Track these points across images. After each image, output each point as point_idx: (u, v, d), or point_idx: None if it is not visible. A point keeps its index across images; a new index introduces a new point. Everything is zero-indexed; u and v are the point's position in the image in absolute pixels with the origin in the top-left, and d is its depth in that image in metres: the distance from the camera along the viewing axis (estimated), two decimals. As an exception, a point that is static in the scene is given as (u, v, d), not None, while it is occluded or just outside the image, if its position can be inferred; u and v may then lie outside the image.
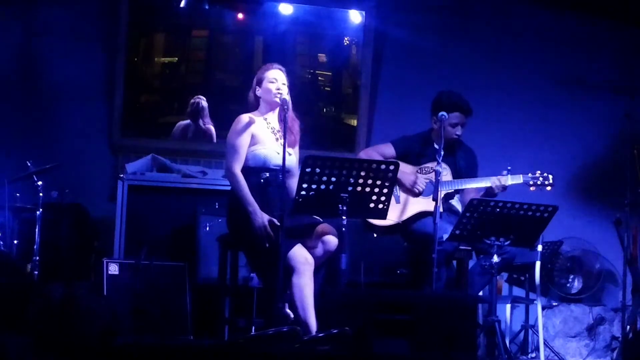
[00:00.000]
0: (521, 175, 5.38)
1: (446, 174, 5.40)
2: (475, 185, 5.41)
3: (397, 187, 5.42)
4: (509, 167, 5.37)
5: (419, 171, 5.49)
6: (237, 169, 4.93)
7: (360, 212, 4.80)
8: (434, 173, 5.35)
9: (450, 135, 5.46)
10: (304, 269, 4.74)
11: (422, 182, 5.44)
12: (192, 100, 6.85)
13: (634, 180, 6.03)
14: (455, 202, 5.59)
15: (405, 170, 5.42)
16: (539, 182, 5.39)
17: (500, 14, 7.16)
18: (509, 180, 5.35)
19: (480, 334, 5.41)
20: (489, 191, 5.37)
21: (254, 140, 4.98)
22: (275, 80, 5.04)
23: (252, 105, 5.11)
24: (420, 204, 5.43)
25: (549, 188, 5.41)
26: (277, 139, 5.00)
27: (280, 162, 4.80)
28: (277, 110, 5.06)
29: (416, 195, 5.44)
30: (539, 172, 5.40)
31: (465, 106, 5.49)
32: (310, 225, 4.95)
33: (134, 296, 5.48)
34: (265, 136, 5.00)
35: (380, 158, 5.36)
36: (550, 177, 5.40)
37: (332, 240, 4.89)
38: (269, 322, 4.83)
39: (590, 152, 7.13)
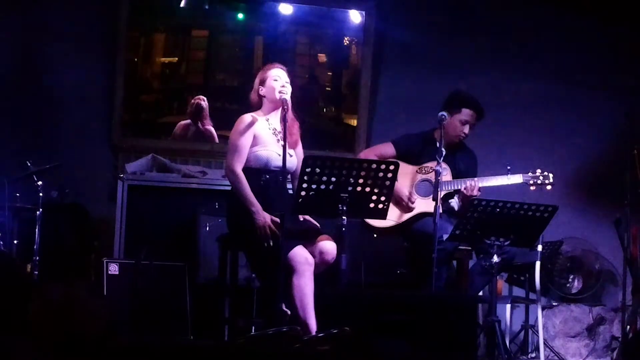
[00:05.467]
0: (521, 175, 5.36)
1: (446, 174, 5.39)
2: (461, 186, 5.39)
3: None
4: (509, 167, 5.35)
5: (418, 171, 5.49)
6: (239, 168, 4.93)
7: (360, 212, 4.80)
8: (434, 173, 5.35)
9: (458, 133, 5.44)
10: (304, 269, 4.75)
11: (414, 199, 5.41)
12: (192, 101, 6.85)
13: (634, 180, 6.02)
14: (455, 203, 5.58)
15: (402, 184, 5.38)
16: (539, 182, 5.36)
17: (500, 14, 7.15)
18: (507, 180, 5.33)
19: (480, 334, 5.42)
20: (463, 194, 5.34)
21: (255, 141, 4.98)
22: (279, 78, 5.04)
23: (255, 106, 5.11)
24: (420, 205, 5.43)
25: (549, 187, 5.37)
26: (278, 140, 5.00)
27: (281, 163, 4.80)
28: (279, 110, 5.05)
29: (407, 210, 5.42)
30: (539, 170, 5.38)
31: (478, 106, 5.48)
32: (310, 231, 4.95)
33: (134, 296, 5.48)
34: (266, 137, 5.00)
35: (379, 159, 5.35)
36: (551, 175, 5.37)
37: (330, 251, 4.88)
38: (268, 322, 4.84)
39: (590, 152, 7.13)
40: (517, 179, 5.35)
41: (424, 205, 5.40)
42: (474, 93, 5.66)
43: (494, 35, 7.12)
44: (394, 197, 5.33)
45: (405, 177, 5.45)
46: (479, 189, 5.35)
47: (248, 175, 4.93)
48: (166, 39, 7.10)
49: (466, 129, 5.47)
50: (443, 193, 5.34)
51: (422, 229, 5.33)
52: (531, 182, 5.36)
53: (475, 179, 5.35)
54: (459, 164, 5.53)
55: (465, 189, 5.32)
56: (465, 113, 5.44)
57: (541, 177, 5.36)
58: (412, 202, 5.41)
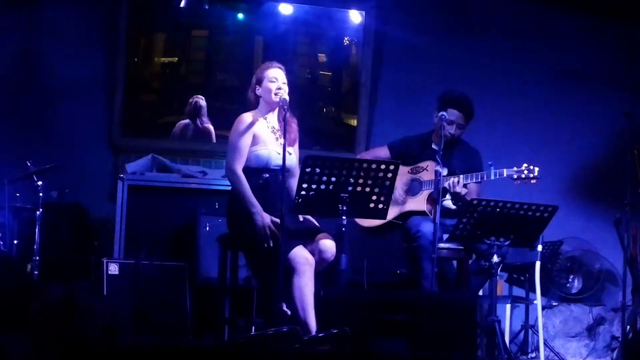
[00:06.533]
0: (505, 170, 5.19)
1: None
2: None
3: None
4: (490, 162, 5.26)
5: (410, 171, 5.49)
6: (239, 168, 4.93)
7: (360, 212, 4.80)
8: (424, 172, 5.37)
9: (445, 132, 5.43)
10: (304, 269, 4.75)
11: (398, 189, 5.42)
12: (190, 100, 6.86)
13: (634, 180, 6.02)
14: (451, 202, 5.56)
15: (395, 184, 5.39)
16: (523, 175, 5.17)
17: (500, 13, 7.15)
18: (491, 175, 5.26)
19: (480, 334, 5.42)
20: (451, 193, 5.33)
21: (255, 141, 4.98)
22: (276, 80, 5.03)
23: (252, 104, 5.11)
24: (408, 204, 5.43)
25: (533, 181, 5.18)
26: (277, 139, 5.00)
27: (281, 162, 4.80)
28: (277, 109, 5.05)
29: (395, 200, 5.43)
30: (525, 165, 5.20)
31: (466, 106, 5.45)
32: (310, 230, 4.95)
33: (134, 296, 5.48)
34: (266, 136, 5.00)
35: None
36: (536, 169, 5.17)
37: (329, 249, 4.88)
38: (268, 322, 4.84)
39: (590, 152, 7.13)
40: (501, 173, 5.20)
41: (412, 204, 5.41)
42: (473, 93, 5.66)
43: (494, 35, 7.12)
44: None
45: (399, 178, 5.43)
46: (465, 186, 5.28)
47: (248, 174, 4.93)
48: (166, 39, 7.10)
49: (452, 129, 5.42)
50: (429, 192, 5.33)
51: (406, 226, 5.36)
52: (515, 176, 5.18)
53: (461, 175, 5.30)
54: (454, 162, 5.50)
55: (448, 185, 5.27)
56: (451, 113, 5.41)
57: (526, 171, 5.17)
58: (398, 197, 5.41)
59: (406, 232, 5.34)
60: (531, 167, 5.18)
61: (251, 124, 4.98)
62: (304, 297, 4.73)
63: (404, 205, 5.44)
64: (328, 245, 4.89)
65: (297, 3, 6.97)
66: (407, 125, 6.10)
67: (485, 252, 4.94)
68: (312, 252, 4.87)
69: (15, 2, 6.70)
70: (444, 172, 5.29)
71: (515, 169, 5.20)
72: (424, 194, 5.34)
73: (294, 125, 5.09)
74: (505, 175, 5.19)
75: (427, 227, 5.13)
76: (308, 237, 4.92)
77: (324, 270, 4.94)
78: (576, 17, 7.12)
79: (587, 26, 7.13)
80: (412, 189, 5.47)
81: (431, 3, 7.12)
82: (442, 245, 5.23)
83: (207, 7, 6.83)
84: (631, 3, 6.89)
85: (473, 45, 7.09)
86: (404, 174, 5.45)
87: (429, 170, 5.34)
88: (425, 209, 5.31)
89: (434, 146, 5.44)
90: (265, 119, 5.06)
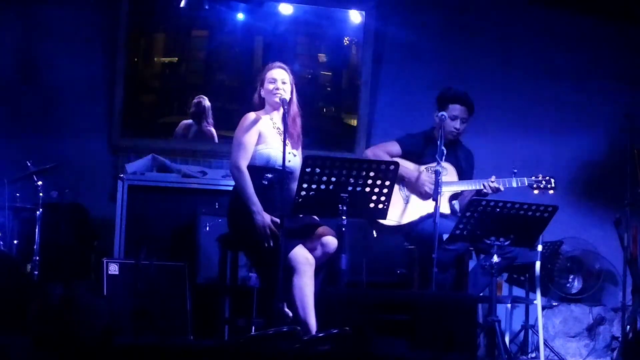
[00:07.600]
0: (525, 179, 5.45)
1: (452, 174, 5.44)
2: (478, 187, 5.41)
3: (405, 187, 5.45)
4: (515, 170, 5.41)
5: (424, 170, 5.50)
6: (244, 165, 4.93)
7: (360, 212, 4.80)
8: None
9: (450, 129, 5.47)
10: (304, 269, 4.75)
11: (428, 181, 5.43)
12: (195, 100, 6.85)
13: (634, 180, 6.03)
14: (455, 203, 5.59)
15: (410, 168, 5.43)
16: (542, 185, 5.47)
17: (500, 14, 7.16)
18: (513, 183, 5.39)
19: (480, 334, 5.42)
20: (478, 192, 5.39)
21: (260, 139, 4.99)
22: (274, 80, 5.04)
23: (258, 107, 5.12)
24: (426, 206, 5.43)
25: (551, 192, 5.49)
26: (282, 140, 4.99)
27: (285, 162, 4.80)
28: (281, 110, 5.05)
29: (424, 194, 5.43)
30: (541, 175, 5.48)
31: (467, 100, 5.52)
32: (310, 226, 4.96)
33: (134, 296, 5.48)
34: (270, 136, 5.01)
35: (387, 156, 5.39)
36: (553, 181, 5.48)
37: (331, 243, 4.89)
38: (269, 322, 4.84)
39: (590, 152, 7.13)
40: (523, 182, 5.43)
41: (430, 205, 5.40)
42: (472, 93, 5.67)
43: (494, 36, 7.13)
44: (408, 184, 5.38)
45: (413, 174, 5.45)
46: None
47: (252, 173, 4.93)
48: (166, 39, 7.10)
49: (457, 124, 5.51)
50: (450, 193, 5.38)
51: (429, 230, 5.33)
52: (535, 185, 5.47)
53: (493, 181, 5.36)
54: (461, 162, 5.56)
55: (483, 185, 5.39)
56: (453, 108, 5.49)
57: (544, 182, 5.47)
58: (426, 186, 5.41)
59: (431, 234, 5.25)
60: (547, 178, 5.50)
61: (256, 121, 4.99)
62: (304, 297, 4.74)
63: (423, 206, 5.43)
64: (330, 239, 4.90)
65: (297, 3, 6.97)
66: (407, 125, 6.09)
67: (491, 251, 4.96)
68: (313, 247, 4.88)
69: (15, 1, 6.70)
70: (449, 172, 5.35)
71: (533, 178, 5.47)
72: (445, 195, 5.38)
73: (298, 122, 5.10)
74: (526, 184, 5.46)
75: None
76: (308, 234, 4.92)
77: (325, 273, 4.94)
78: (576, 18, 7.12)
79: (586, 25, 7.13)
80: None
81: (431, 3, 7.12)
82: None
83: (207, 7, 6.83)
84: (630, 4, 6.89)
85: (473, 45, 7.10)
86: (416, 170, 5.46)
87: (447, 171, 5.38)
88: (449, 211, 5.41)
89: (439, 142, 5.45)
90: (271, 119, 5.07)
